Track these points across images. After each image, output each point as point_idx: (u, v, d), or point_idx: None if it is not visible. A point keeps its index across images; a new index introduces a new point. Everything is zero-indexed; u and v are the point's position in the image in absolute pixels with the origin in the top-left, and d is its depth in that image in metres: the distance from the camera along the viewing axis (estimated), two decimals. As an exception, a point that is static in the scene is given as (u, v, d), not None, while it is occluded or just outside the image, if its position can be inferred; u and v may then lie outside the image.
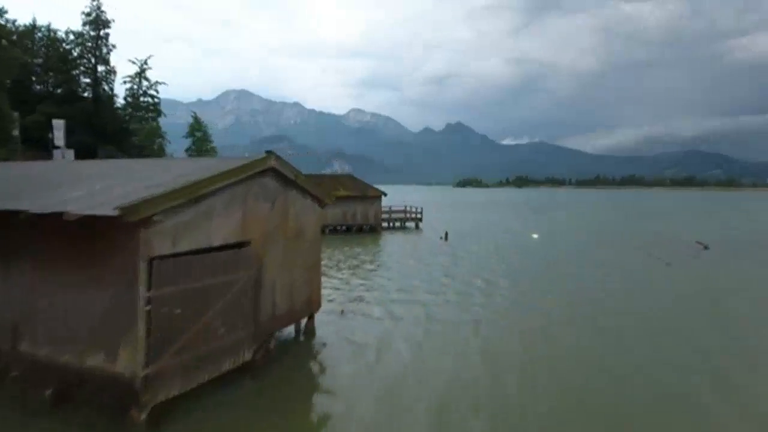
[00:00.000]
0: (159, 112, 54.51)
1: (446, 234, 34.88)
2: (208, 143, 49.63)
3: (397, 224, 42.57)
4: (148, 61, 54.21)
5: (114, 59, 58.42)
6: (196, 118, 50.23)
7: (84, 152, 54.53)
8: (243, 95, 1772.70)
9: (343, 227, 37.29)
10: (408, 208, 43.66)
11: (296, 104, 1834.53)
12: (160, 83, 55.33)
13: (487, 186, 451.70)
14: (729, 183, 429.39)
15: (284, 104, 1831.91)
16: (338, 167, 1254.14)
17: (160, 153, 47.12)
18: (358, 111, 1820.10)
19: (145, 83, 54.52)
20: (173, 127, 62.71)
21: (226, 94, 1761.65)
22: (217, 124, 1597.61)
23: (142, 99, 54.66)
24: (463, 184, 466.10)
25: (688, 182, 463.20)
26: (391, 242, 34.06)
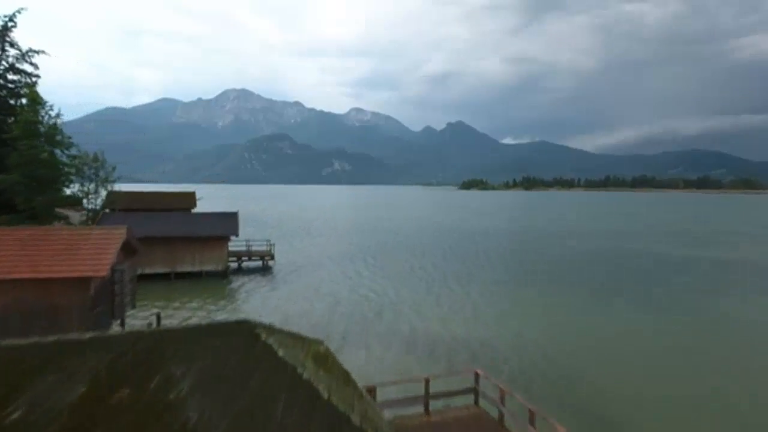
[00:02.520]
0: (37, 98, 34.40)
1: None
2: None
3: None
4: (17, 17, 34.80)
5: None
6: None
7: None
8: (243, 94, 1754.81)
9: None
10: None
11: (297, 103, 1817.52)
12: (38, 52, 35.80)
13: (493, 188, 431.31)
14: (747, 185, 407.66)
15: (285, 103, 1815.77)
16: (338, 166, 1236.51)
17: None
18: (359, 110, 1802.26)
19: (13, 52, 35.07)
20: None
21: (226, 94, 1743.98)
22: (217, 123, 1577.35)
23: (9, 77, 35.33)
24: (468, 186, 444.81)
25: (702, 183, 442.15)
26: None
